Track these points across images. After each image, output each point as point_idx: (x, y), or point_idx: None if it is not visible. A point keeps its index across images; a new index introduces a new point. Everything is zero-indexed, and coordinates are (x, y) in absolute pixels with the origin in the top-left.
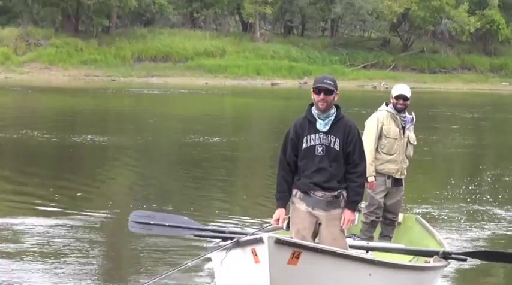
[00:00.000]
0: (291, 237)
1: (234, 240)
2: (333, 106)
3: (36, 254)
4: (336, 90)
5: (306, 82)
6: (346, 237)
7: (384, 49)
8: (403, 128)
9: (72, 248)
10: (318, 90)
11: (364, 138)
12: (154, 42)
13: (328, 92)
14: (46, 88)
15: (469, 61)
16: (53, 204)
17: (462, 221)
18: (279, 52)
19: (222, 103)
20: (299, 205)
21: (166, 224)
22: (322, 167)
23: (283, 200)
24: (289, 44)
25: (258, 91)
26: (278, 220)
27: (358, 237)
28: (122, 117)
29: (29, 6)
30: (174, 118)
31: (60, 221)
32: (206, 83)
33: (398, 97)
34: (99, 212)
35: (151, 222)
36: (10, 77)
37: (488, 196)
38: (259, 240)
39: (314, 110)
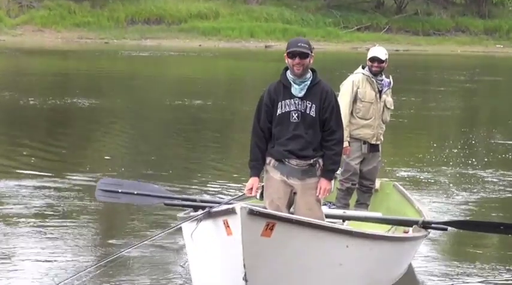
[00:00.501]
0: (265, 208)
1: (205, 210)
2: (309, 70)
3: (19, 217)
4: (311, 52)
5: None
6: (323, 204)
7: (377, 11)
8: (380, 92)
9: (55, 211)
10: (292, 54)
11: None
12: (148, 4)
13: (303, 55)
14: (38, 50)
15: (463, 23)
16: (36, 167)
17: (446, 185)
18: (272, 15)
19: (214, 65)
20: (273, 173)
21: (135, 193)
22: (298, 134)
23: (257, 168)
24: (282, 6)
25: (251, 54)
26: (251, 189)
27: (334, 205)
28: (112, 80)
29: None
30: (165, 81)
31: (44, 184)
32: (200, 45)
33: (372, 59)
34: (82, 176)
35: (119, 190)
36: (3, 40)
37: (474, 159)
38: (232, 211)
39: (289, 74)
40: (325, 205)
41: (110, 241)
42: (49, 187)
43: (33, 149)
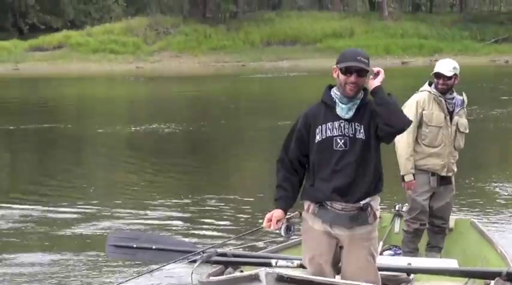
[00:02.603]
0: (302, 266)
1: (229, 276)
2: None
3: None
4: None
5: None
6: (385, 249)
7: None
8: (450, 113)
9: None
10: (347, 70)
11: None
12: (283, 25)
13: (362, 73)
14: (176, 76)
15: None
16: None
17: None
18: (408, 31)
19: None
20: (313, 222)
21: (153, 247)
22: (344, 166)
23: (284, 200)
24: (417, 21)
25: (388, 71)
26: (271, 220)
27: (400, 249)
28: (252, 104)
29: None
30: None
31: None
32: None
33: (437, 75)
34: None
35: (134, 245)
36: (141, 67)
37: None
38: (255, 278)
39: (335, 91)
40: (389, 249)
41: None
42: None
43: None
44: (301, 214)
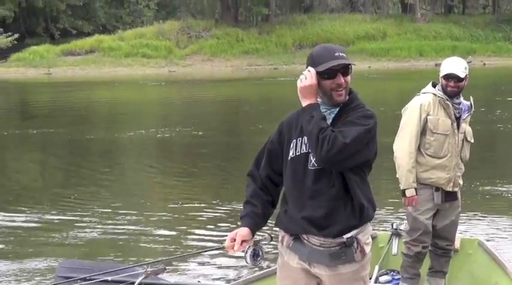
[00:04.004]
0: None
1: None
2: None
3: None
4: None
5: (470, 61)
6: (382, 274)
7: None
8: (457, 119)
9: None
10: (330, 73)
11: (400, 135)
12: (315, 28)
13: (347, 70)
14: (208, 79)
15: None
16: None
17: None
18: (440, 32)
19: (384, 87)
20: (288, 257)
21: (108, 279)
22: (319, 191)
23: (251, 218)
24: (450, 23)
25: (421, 73)
26: (233, 243)
27: (399, 274)
28: (285, 107)
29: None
30: None
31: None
32: (369, 67)
33: (448, 76)
34: None
35: (86, 276)
36: (174, 71)
37: None
38: None
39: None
40: (386, 274)
41: None
42: None
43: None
44: (272, 237)
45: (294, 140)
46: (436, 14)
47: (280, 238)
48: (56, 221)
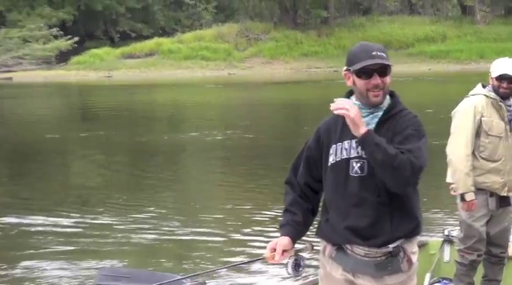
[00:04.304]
0: None
1: None
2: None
3: None
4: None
5: None
6: (434, 282)
7: None
8: (510, 122)
9: None
10: (366, 72)
11: (454, 138)
12: (374, 30)
13: (385, 70)
14: (268, 82)
15: None
16: None
17: None
18: (501, 34)
19: (443, 89)
20: (331, 268)
21: None
22: (363, 199)
23: (292, 227)
24: (510, 24)
25: (483, 75)
26: (274, 253)
27: (451, 282)
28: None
29: (246, 2)
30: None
31: None
32: (429, 69)
33: (501, 77)
34: None
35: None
36: (233, 73)
37: None
38: None
39: (355, 101)
40: (438, 282)
41: None
42: None
43: None
44: (313, 246)
45: (334, 145)
46: (496, 16)
47: (321, 248)
48: (107, 223)
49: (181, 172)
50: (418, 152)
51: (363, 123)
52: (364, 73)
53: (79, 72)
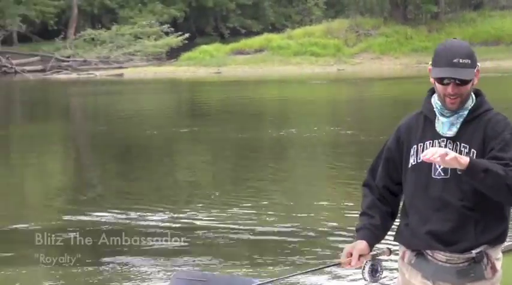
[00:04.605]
0: None
1: None
2: (471, 95)
3: None
4: (475, 68)
5: None
6: None
7: None
8: None
9: None
10: (442, 81)
11: None
12: (485, 25)
13: (463, 83)
14: (377, 77)
15: None
16: None
17: None
18: None
19: None
20: (410, 275)
21: None
22: (446, 202)
23: (369, 230)
24: None
25: None
26: (351, 255)
27: None
28: None
29: None
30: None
31: None
32: None
33: None
34: None
35: None
36: (342, 69)
37: None
38: None
39: (436, 100)
40: None
41: None
42: None
43: None
44: (390, 251)
45: (415, 146)
46: None
47: (400, 254)
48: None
49: (284, 170)
50: None
51: (459, 156)
52: (441, 79)
53: (189, 68)
